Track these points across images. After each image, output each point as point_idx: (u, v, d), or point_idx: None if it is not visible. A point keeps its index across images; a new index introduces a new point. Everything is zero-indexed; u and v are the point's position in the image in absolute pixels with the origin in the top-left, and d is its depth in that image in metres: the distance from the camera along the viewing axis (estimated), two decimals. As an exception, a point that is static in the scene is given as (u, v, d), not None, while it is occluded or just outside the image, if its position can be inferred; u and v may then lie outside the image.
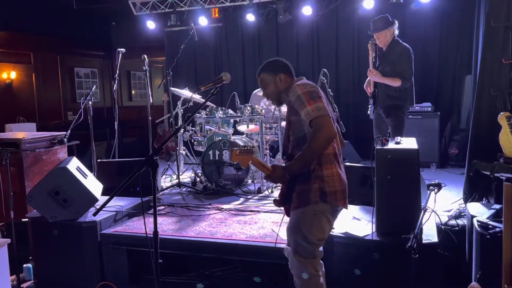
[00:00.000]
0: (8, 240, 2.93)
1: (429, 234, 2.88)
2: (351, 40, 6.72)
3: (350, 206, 3.47)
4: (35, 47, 8.15)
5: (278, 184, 4.00)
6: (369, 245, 2.82)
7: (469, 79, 5.83)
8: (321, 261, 2.47)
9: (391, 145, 2.95)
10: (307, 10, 6.53)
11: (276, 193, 2.63)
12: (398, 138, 3.07)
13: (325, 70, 4.90)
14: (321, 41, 6.94)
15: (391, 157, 2.80)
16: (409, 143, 3.03)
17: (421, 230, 2.19)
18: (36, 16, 7.70)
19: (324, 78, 4.83)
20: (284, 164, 2.42)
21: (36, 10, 7.67)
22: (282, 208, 2.55)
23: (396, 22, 4.27)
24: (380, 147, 2.87)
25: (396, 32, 4.28)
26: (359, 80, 6.45)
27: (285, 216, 2.57)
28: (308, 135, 2.32)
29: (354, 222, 3.13)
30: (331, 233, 2.94)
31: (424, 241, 2.71)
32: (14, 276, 3.45)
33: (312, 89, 2.33)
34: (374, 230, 2.86)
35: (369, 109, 4.48)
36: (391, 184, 2.79)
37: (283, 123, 5.35)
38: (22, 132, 5.81)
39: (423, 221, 2.25)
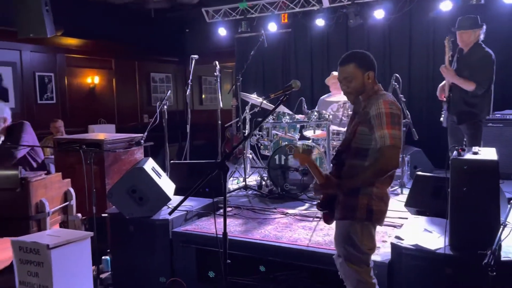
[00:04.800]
0: (91, 233, 3.17)
1: (509, 251, 2.69)
2: (426, 44, 6.45)
3: (421, 218, 3.35)
4: (116, 53, 8.76)
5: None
6: (441, 259, 2.69)
7: (558, 85, 5.36)
8: None
9: (468, 155, 2.79)
10: (379, 14, 6.38)
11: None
12: (476, 148, 2.90)
13: (397, 75, 4.76)
14: (393, 45, 6.75)
15: (468, 168, 2.65)
16: (488, 153, 2.85)
17: (499, 246, 2.05)
18: (118, 25, 8.29)
19: (396, 84, 4.70)
20: (332, 172, 2.39)
21: (118, 20, 8.26)
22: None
23: (484, 26, 4.02)
24: (456, 157, 2.73)
25: (482, 37, 4.03)
26: (433, 86, 6.15)
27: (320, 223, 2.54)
28: (371, 152, 2.28)
29: (426, 234, 3.01)
30: (400, 244, 2.86)
31: (503, 258, 2.54)
32: (94, 267, 3.72)
33: (397, 112, 2.24)
34: (447, 243, 2.73)
35: (442, 116, 4.27)
36: (467, 197, 2.64)
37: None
38: (104, 133, 6.26)
39: (502, 237, 2.12)
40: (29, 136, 4.15)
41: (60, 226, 3.80)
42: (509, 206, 2.31)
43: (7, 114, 4.09)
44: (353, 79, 2.34)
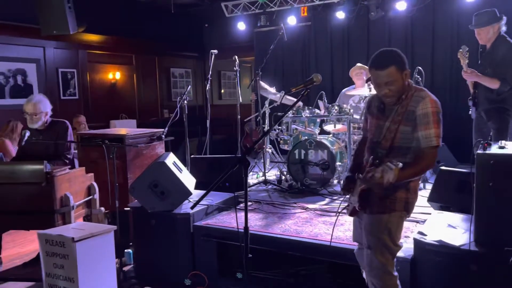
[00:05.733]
0: (115, 227, 3.22)
1: (537, 248, 2.62)
2: (449, 36, 6.31)
3: (445, 213, 3.29)
4: (136, 49, 8.86)
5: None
6: (466, 255, 2.64)
7: None
8: None
9: (494, 149, 2.73)
10: (401, 5, 6.26)
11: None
12: (503, 142, 2.83)
13: (420, 68, 4.67)
14: (416, 38, 6.62)
15: (494, 163, 2.59)
16: (515, 147, 2.78)
17: (528, 243, 2.00)
18: (138, 21, 8.37)
19: (418, 77, 4.61)
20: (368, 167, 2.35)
21: (138, 16, 8.34)
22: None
23: (505, 17, 3.88)
24: (482, 151, 2.67)
25: (504, 28, 3.87)
26: (457, 79, 6.04)
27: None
28: (413, 150, 2.32)
29: (450, 230, 2.95)
30: (423, 240, 2.82)
31: (530, 256, 2.48)
32: (117, 260, 3.78)
33: (440, 111, 2.31)
34: (472, 239, 2.67)
35: (471, 109, 4.17)
36: (493, 192, 2.58)
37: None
38: (125, 128, 6.35)
39: (531, 234, 2.06)
40: (71, 138, 4.29)
41: (84, 220, 3.88)
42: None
43: (49, 108, 4.18)
44: (394, 82, 2.29)
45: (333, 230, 2.95)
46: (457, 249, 2.68)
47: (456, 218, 3.18)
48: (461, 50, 3.96)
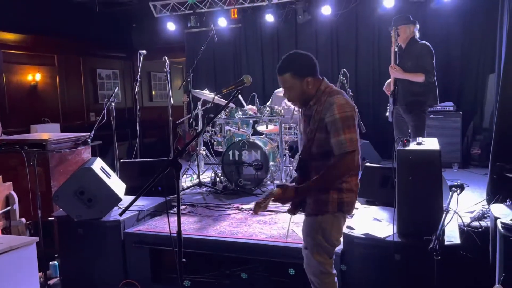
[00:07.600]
0: (37, 239, 3.01)
1: (452, 235, 2.85)
2: (371, 40, 6.67)
3: (371, 207, 3.48)
4: (58, 49, 8.34)
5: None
6: (390, 246, 2.80)
7: (493, 78, 5.72)
8: None
9: (412, 145, 2.93)
10: (326, 10, 6.51)
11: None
12: (420, 139, 3.05)
13: (345, 70, 4.88)
14: (341, 41, 6.92)
15: (413, 158, 2.78)
16: (430, 143, 3.00)
17: (443, 231, 2.17)
18: (59, 19, 7.89)
19: (344, 78, 4.82)
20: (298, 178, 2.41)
21: (59, 14, 7.86)
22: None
23: (417, 24, 4.23)
24: (401, 148, 2.85)
25: (417, 34, 4.24)
26: (379, 80, 6.41)
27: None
28: (331, 154, 2.26)
29: (375, 223, 3.12)
30: (351, 233, 2.95)
31: (446, 243, 2.68)
32: (41, 273, 3.55)
33: (350, 114, 2.20)
34: (395, 231, 2.85)
35: (388, 110, 4.44)
36: (413, 185, 2.77)
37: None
38: (47, 133, 5.96)
39: (445, 223, 2.24)
40: None
41: (2, 233, 3.61)
42: (450, 193, 2.44)
43: None
44: (291, 88, 2.29)
45: (268, 228, 2.98)
46: (382, 240, 2.84)
47: (381, 212, 3.37)
48: (394, 27, 4.24)
